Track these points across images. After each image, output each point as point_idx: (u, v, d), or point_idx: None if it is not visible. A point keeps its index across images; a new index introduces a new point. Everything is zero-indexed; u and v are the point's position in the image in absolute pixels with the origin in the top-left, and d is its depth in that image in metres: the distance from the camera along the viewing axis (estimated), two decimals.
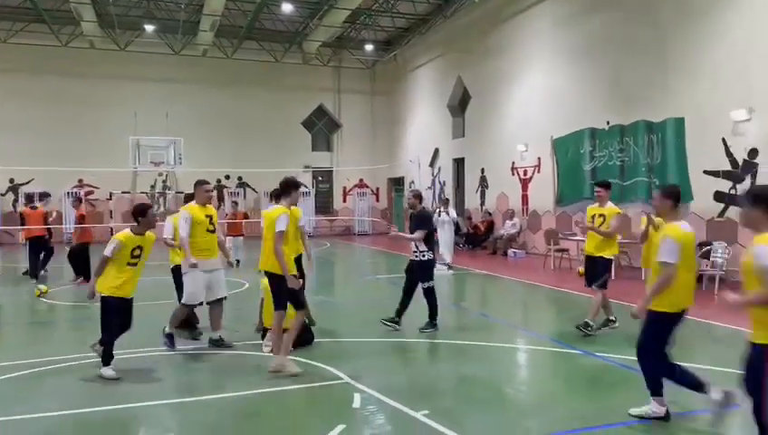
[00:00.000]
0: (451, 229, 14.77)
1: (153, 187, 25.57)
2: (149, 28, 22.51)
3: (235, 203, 18.05)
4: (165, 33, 24.05)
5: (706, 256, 11.37)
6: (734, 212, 11.71)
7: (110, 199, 23.85)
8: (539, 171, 17.74)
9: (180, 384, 6.00)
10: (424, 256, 7.73)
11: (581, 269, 13.54)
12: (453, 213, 15.08)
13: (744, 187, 11.46)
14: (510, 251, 17.55)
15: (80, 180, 24.29)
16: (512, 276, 13.50)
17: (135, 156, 23.17)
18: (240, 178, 26.87)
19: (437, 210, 14.68)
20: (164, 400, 5.36)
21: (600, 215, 7.86)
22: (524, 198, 18.46)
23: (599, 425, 4.62)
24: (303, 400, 5.38)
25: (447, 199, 17.76)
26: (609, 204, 7.98)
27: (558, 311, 10.35)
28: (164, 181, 25.74)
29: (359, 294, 12.12)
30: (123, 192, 24.08)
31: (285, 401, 5.38)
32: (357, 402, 5.14)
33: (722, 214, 11.98)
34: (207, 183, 7.33)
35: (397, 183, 27.46)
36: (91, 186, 24.47)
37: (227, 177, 26.56)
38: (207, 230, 6.96)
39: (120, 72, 24.41)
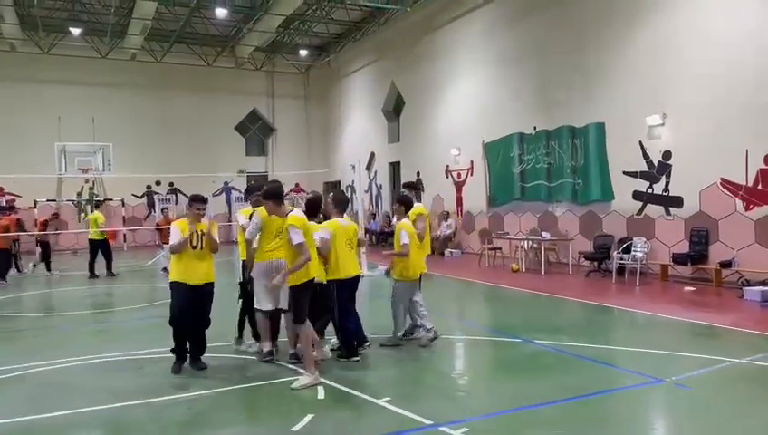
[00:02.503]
0: None
1: (80, 194, 24.76)
2: (75, 31, 21.83)
3: (165, 209, 17.96)
4: (92, 37, 23.39)
5: (627, 250, 12.30)
6: (651, 210, 12.75)
7: (35, 208, 22.93)
8: (472, 174, 18.50)
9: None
10: None
11: (515, 265, 14.43)
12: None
13: (660, 186, 12.52)
14: (446, 251, 18.21)
15: (0, 188, 23.27)
16: (451, 275, 14.08)
17: (61, 162, 22.43)
18: (171, 184, 26.43)
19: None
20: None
21: None
22: (459, 200, 19.19)
23: (542, 402, 5.12)
24: (270, 395, 5.63)
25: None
26: None
27: (495, 304, 10.97)
28: (91, 188, 24.96)
29: None
30: (48, 200, 23.23)
31: (251, 397, 5.62)
32: (322, 394, 5.45)
33: (640, 211, 12.99)
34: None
35: (333, 187, 27.71)
36: (13, 194, 23.48)
37: (158, 183, 26.08)
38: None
39: (43, 76, 23.57)
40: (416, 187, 8.32)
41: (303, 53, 25.35)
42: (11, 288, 13.47)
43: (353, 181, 25.15)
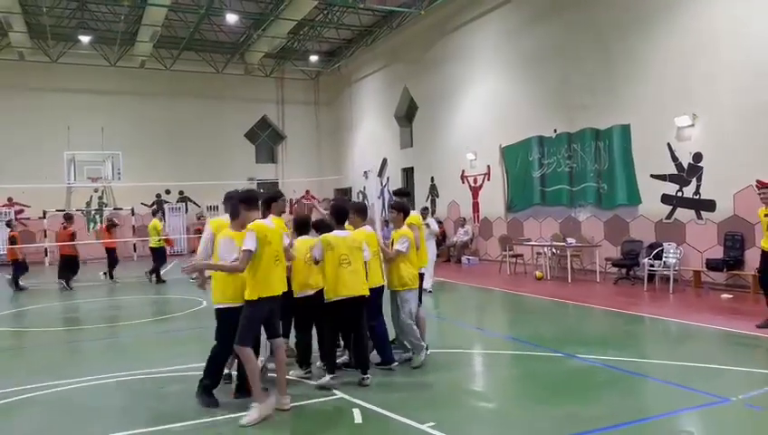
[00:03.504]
0: (433, 245, 11.79)
1: (89, 204, 24.50)
2: (85, 39, 21.59)
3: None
4: (100, 45, 23.15)
5: (658, 256, 11.84)
6: (681, 214, 12.29)
7: (44, 218, 22.64)
8: (488, 179, 18.07)
9: None
10: None
11: (539, 273, 13.96)
12: (434, 224, 12.33)
13: (690, 189, 12.06)
14: (464, 258, 17.77)
15: (9, 199, 23.02)
16: (472, 283, 13.64)
17: (70, 172, 22.17)
18: (181, 193, 26.11)
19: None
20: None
21: None
22: (475, 206, 18.76)
23: (601, 428, 4.67)
24: (301, 417, 5.21)
25: (427, 208, 17.07)
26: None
27: (524, 314, 10.51)
28: (100, 198, 24.70)
29: None
30: (57, 210, 22.91)
31: (283, 421, 5.20)
32: (358, 418, 5.03)
33: (669, 216, 12.53)
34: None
35: (344, 194, 27.34)
36: (22, 204, 23.22)
37: (168, 191, 25.77)
38: None
39: (52, 85, 23.35)
40: (408, 194, 7.90)
41: (314, 58, 25.02)
42: (41, 296, 13.15)
43: (365, 188, 24.88)
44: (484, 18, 17.93)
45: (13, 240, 15.13)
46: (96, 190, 24.27)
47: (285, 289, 5.37)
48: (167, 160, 24.81)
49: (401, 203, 6.96)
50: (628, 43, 13.31)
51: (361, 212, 6.48)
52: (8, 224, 16.98)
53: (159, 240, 15.68)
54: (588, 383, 5.98)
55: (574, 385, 5.94)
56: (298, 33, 23.00)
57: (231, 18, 19.51)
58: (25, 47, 21.89)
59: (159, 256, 15.77)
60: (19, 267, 14.87)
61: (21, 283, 14.85)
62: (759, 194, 8.43)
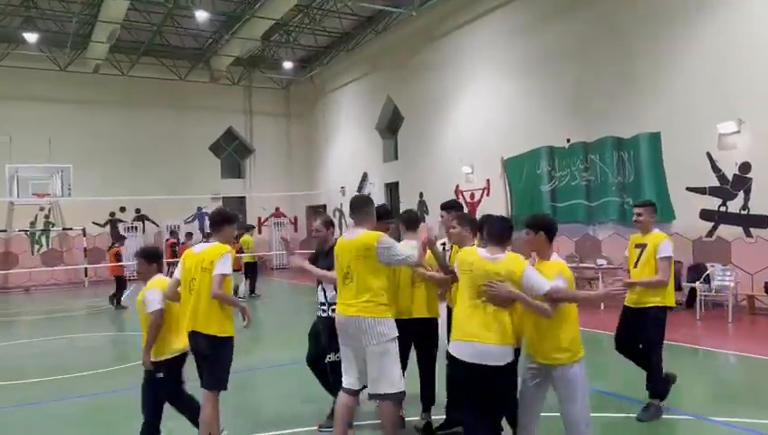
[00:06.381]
0: None
1: (33, 223, 21.93)
2: (31, 38, 19.19)
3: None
4: (49, 46, 20.77)
5: (706, 280, 10.50)
6: (725, 231, 11.02)
7: None
8: (488, 194, 16.59)
9: None
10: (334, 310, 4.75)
11: None
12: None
13: (736, 203, 10.80)
14: None
15: None
16: None
17: (12, 188, 19.66)
18: (138, 211, 23.76)
19: None
20: None
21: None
22: None
23: None
24: None
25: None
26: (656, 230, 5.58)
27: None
28: (46, 216, 22.16)
29: None
30: None
31: None
32: None
33: (711, 233, 11.24)
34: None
35: (316, 211, 25.50)
36: None
37: (123, 209, 23.40)
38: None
39: None
40: (389, 212, 5.95)
41: (288, 64, 23.18)
42: None
43: (341, 205, 23.12)
44: (483, 19, 16.53)
45: None
46: (42, 208, 21.76)
47: None
48: (123, 175, 22.43)
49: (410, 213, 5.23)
50: (657, 43, 12.07)
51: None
52: None
53: (253, 256, 16.00)
54: None
55: None
56: (270, 38, 21.20)
57: (201, 16, 17.55)
58: None
59: (252, 271, 15.82)
60: None
61: None
62: None
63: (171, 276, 4.70)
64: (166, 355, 4.43)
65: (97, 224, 22.82)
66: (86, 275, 21.41)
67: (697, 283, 10.40)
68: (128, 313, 13.22)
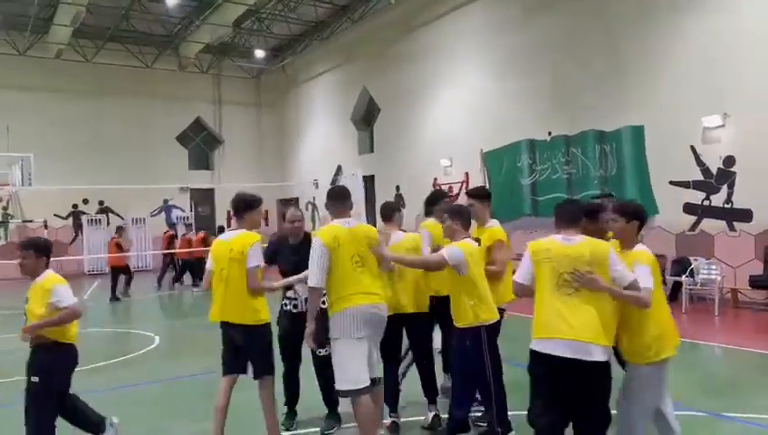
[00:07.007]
0: None
1: None
2: None
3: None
4: (8, 30, 19.75)
5: (691, 273, 10.49)
6: (708, 225, 11.03)
7: None
8: (467, 187, 16.41)
9: None
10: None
11: None
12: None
13: (720, 197, 10.81)
14: None
15: None
16: None
17: None
18: (101, 203, 22.92)
19: None
20: None
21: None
22: None
23: None
24: None
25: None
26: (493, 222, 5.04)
27: None
28: (4, 208, 21.18)
29: None
30: None
31: None
32: None
33: (694, 227, 11.25)
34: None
35: (287, 204, 25.00)
36: None
37: (86, 201, 22.54)
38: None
39: None
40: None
41: (260, 53, 22.58)
42: None
43: (314, 198, 22.70)
44: (463, 9, 16.28)
45: None
46: (0, 199, 20.78)
47: None
48: (86, 166, 21.51)
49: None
50: (641, 34, 12.03)
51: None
52: None
53: None
54: None
55: None
56: (242, 24, 20.60)
57: (171, 1, 16.88)
58: None
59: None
60: None
61: None
62: None
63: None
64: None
65: (59, 216, 21.93)
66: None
67: (683, 277, 10.37)
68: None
